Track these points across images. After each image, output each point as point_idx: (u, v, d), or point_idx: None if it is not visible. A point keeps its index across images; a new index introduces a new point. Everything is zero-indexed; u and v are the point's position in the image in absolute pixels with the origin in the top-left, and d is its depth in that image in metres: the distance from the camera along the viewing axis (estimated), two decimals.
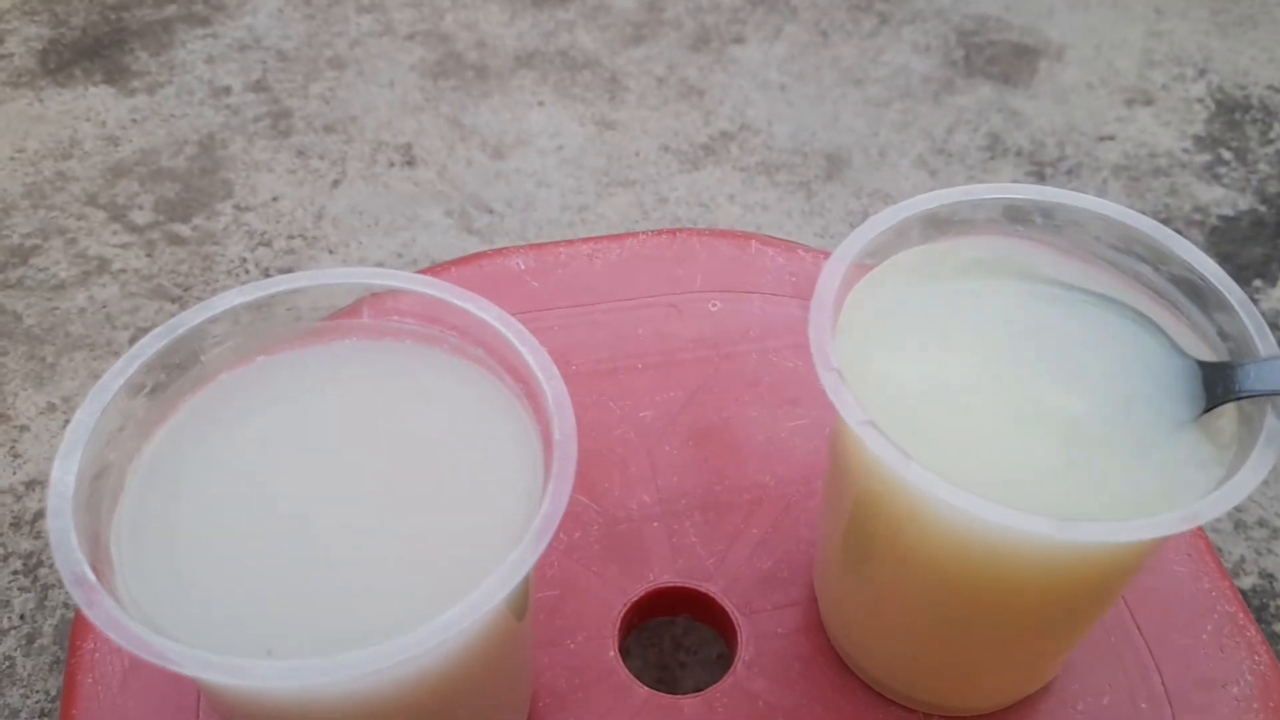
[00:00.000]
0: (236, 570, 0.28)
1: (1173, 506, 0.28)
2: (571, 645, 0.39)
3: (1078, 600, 0.33)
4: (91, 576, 0.25)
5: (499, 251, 0.50)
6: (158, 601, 0.27)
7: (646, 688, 0.38)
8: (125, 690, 0.36)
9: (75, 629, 0.38)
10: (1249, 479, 0.28)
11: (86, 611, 0.24)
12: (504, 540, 0.28)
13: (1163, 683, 0.38)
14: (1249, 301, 0.32)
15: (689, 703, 0.38)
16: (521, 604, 0.31)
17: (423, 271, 0.44)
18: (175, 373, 0.30)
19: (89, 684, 0.36)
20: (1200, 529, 0.42)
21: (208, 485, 0.29)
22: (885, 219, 0.34)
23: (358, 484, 0.30)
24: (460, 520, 0.29)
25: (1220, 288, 0.32)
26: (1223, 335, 0.33)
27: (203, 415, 0.30)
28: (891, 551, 0.34)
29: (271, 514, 0.29)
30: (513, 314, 0.31)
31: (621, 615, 0.39)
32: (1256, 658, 0.38)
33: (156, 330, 0.29)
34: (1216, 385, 0.31)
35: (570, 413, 0.29)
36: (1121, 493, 0.30)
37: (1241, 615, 0.39)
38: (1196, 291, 0.33)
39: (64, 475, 0.26)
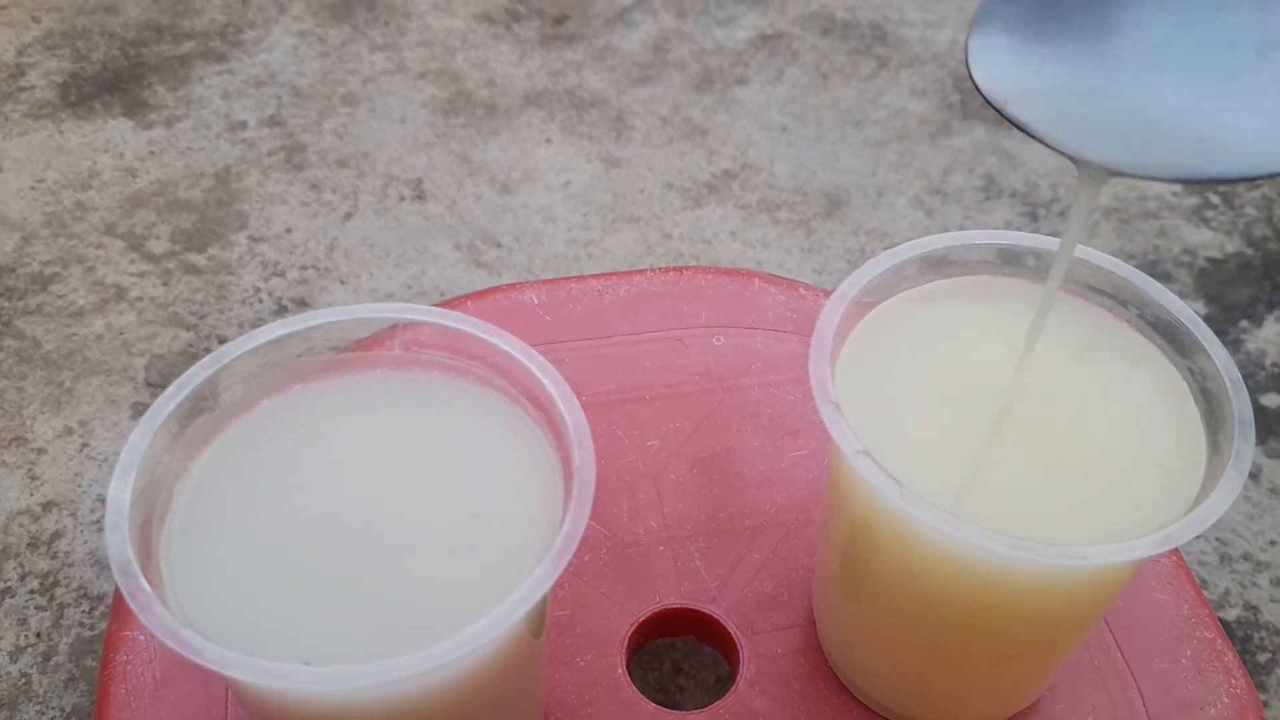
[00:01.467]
0: (276, 584, 0.30)
1: (1150, 531, 0.30)
2: (581, 663, 0.40)
3: (1062, 621, 0.35)
4: (146, 585, 0.27)
5: (513, 286, 0.52)
6: (202, 609, 0.29)
7: (653, 704, 0.40)
8: (157, 700, 0.38)
9: (108, 643, 0.40)
10: (1220, 502, 0.30)
11: (141, 616, 0.26)
12: (526, 559, 0.30)
13: (1144, 705, 0.40)
14: (1221, 345, 0.34)
15: (693, 719, 0.39)
16: (539, 621, 0.33)
17: (440, 305, 0.46)
18: (218, 400, 0.32)
19: (122, 695, 0.38)
20: (1183, 561, 0.44)
21: (249, 504, 0.31)
22: (885, 259, 0.36)
23: (390, 504, 0.32)
24: (485, 539, 0.31)
25: (1195, 332, 0.34)
26: (1201, 376, 0.35)
27: (245, 439, 0.32)
28: (885, 576, 0.36)
29: (309, 531, 0.31)
30: (529, 346, 0.33)
31: (629, 635, 0.41)
32: (1233, 681, 0.40)
33: (203, 360, 0.31)
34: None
35: (589, 439, 0.31)
36: (1104, 519, 0.32)
37: (1219, 641, 0.41)
38: (1175, 334, 0.35)
39: (120, 493, 0.28)
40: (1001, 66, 0.29)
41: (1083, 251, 0.37)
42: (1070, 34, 0.29)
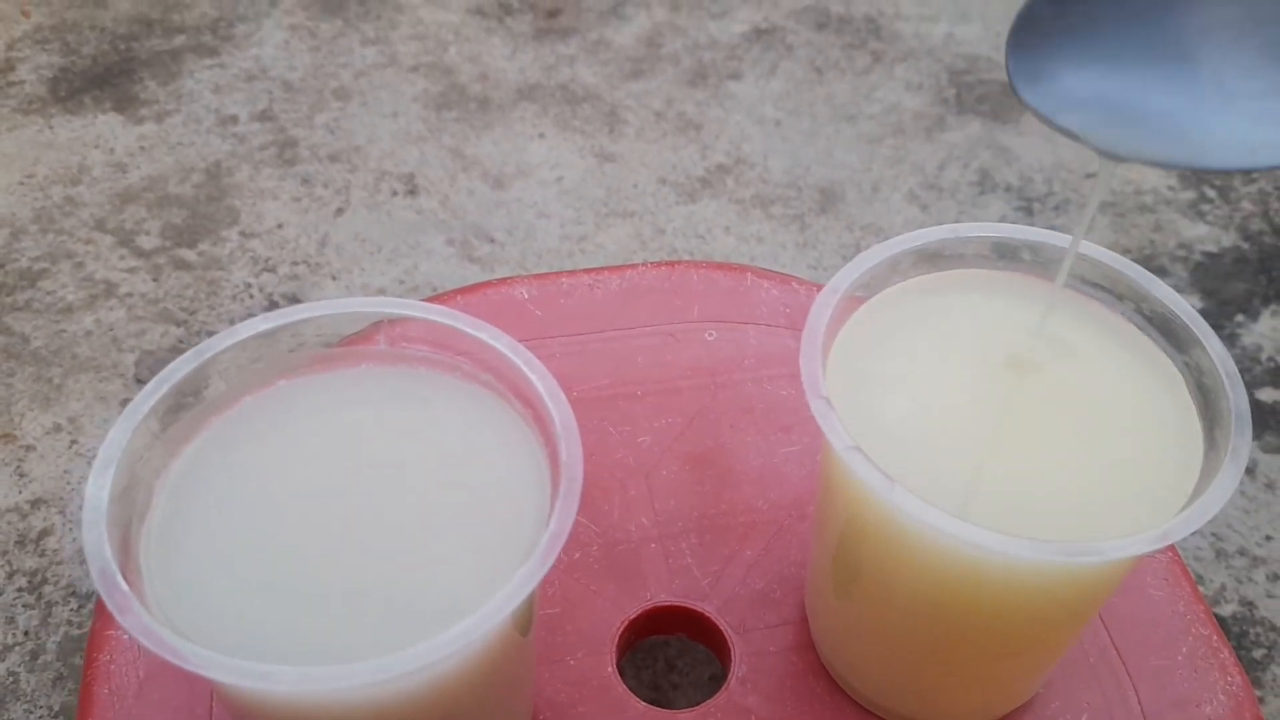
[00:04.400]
0: (258, 583, 0.29)
1: (1146, 526, 0.30)
2: (571, 661, 0.40)
3: (1056, 618, 0.35)
4: (124, 584, 0.26)
5: (503, 281, 0.52)
6: (182, 609, 0.28)
7: (644, 703, 0.39)
8: (140, 699, 0.37)
9: (92, 641, 0.39)
10: (1216, 497, 0.30)
11: (119, 617, 0.25)
12: (512, 557, 0.29)
13: (1139, 703, 0.39)
14: (1218, 339, 0.34)
15: (684, 718, 0.39)
16: (526, 619, 0.33)
17: (429, 300, 0.45)
18: (200, 395, 0.32)
19: (105, 694, 0.38)
20: (1179, 557, 0.43)
21: (231, 502, 0.31)
22: (878, 253, 0.36)
23: (373, 501, 0.31)
24: (471, 537, 0.31)
25: (1192, 326, 0.34)
26: (1197, 370, 0.34)
27: (226, 436, 0.32)
28: (877, 573, 0.35)
29: (292, 530, 0.30)
30: (518, 342, 0.33)
31: (620, 633, 0.41)
32: (1229, 678, 0.40)
33: (184, 355, 0.31)
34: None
35: (576, 436, 0.30)
36: (1099, 515, 0.32)
37: (1215, 638, 0.41)
38: (1172, 329, 0.35)
39: (98, 491, 0.28)
40: (1043, 77, 0.30)
41: (1088, 249, 0.36)
42: (1109, 33, 0.29)
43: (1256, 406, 0.67)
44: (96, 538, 0.27)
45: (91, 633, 0.40)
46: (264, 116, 0.86)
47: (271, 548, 0.30)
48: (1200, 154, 0.28)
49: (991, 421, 0.34)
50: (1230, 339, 0.73)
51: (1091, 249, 0.36)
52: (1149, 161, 0.28)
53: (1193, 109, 0.28)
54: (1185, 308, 0.35)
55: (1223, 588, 0.61)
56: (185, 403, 0.31)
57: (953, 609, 0.34)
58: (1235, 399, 0.32)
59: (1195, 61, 0.29)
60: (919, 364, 0.36)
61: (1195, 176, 0.85)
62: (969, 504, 0.32)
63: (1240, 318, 0.75)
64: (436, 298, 0.52)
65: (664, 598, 0.42)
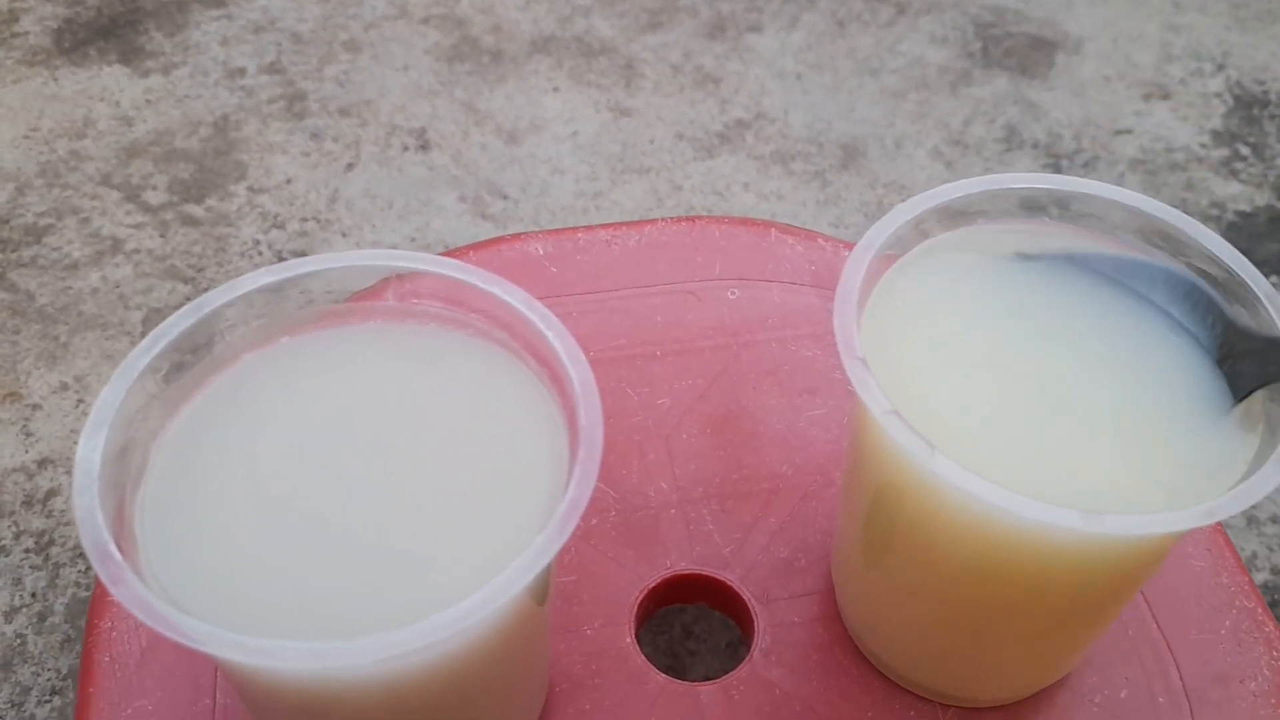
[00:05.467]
0: (260, 550, 0.28)
1: (1194, 501, 0.28)
2: (588, 631, 0.39)
3: (1099, 594, 0.33)
4: (117, 554, 0.25)
5: (517, 236, 0.50)
6: (181, 579, 0.27)
7: (663, 674, 0.38)
8: (142, 668, 0.36)
9: (93, 608, 0.38)
10: (1270, 477, 0.28)
11: (111, 589, 0.24)
12: (529, 525, 0.28)
13: (1180, 678, 0.38)
14: (1275, 292, 0.32)
15: (705, 690, 0.38)
16: (543, 589, 0.31)
17: (442, 255, 0.44)
18: (199, 353, 0.30)
19: (106, 662, 0.36)
20: (1221, 527, 0.42)
21: (231, 465, 0.29)
22: (907, 210, 0.34)
23: (382, 466, 0.30)
24: (485, 504, 0.29)
25: (1245, 277, 0.32)
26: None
27: (226, 396, 0.30)
28: (912, 543, 0.34)
29: (295, 496, 0.29)
30: (532, 298, 0.31)
31: (638, 602, 0.39)
32: (1275, 653, 0.38)
33: (181, 310, 0.29)
34: (1244, 376, 0.31)
35: (596, 398, 0.28)
36: (1144, 486, 0.30)
37: (1260, 611, 0.39)
38: (1218, 283, 0.33)
39: (89, 453, 0.26)
40: None
41: (1118, 194, 0.34)
42: None
43: None
44: (88, 503, 0.25)
45: (93, 598, 0.38)
46: (272, 69, 0.84)
47: (273, 516, 0.28)
48: None
49: (1033, 388, 0.32)
50: None
51: (1148, 203, 0.34)
52: None
53: None
54: (1245, 264, 0.33)
55: (1255, 555, 0.60)
56: (185, 360, 0.30)
57: (991, 582, 0.32)
58: None
59: None
60: (953, 326, 0.34)
61: (1228, 133, 0.82)
62: (1010, 472, 0.30)
63: (1274, 279, 0.73)
64: (449, 254, 0.50)
65: (684, 566, 0.40)
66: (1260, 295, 0.32)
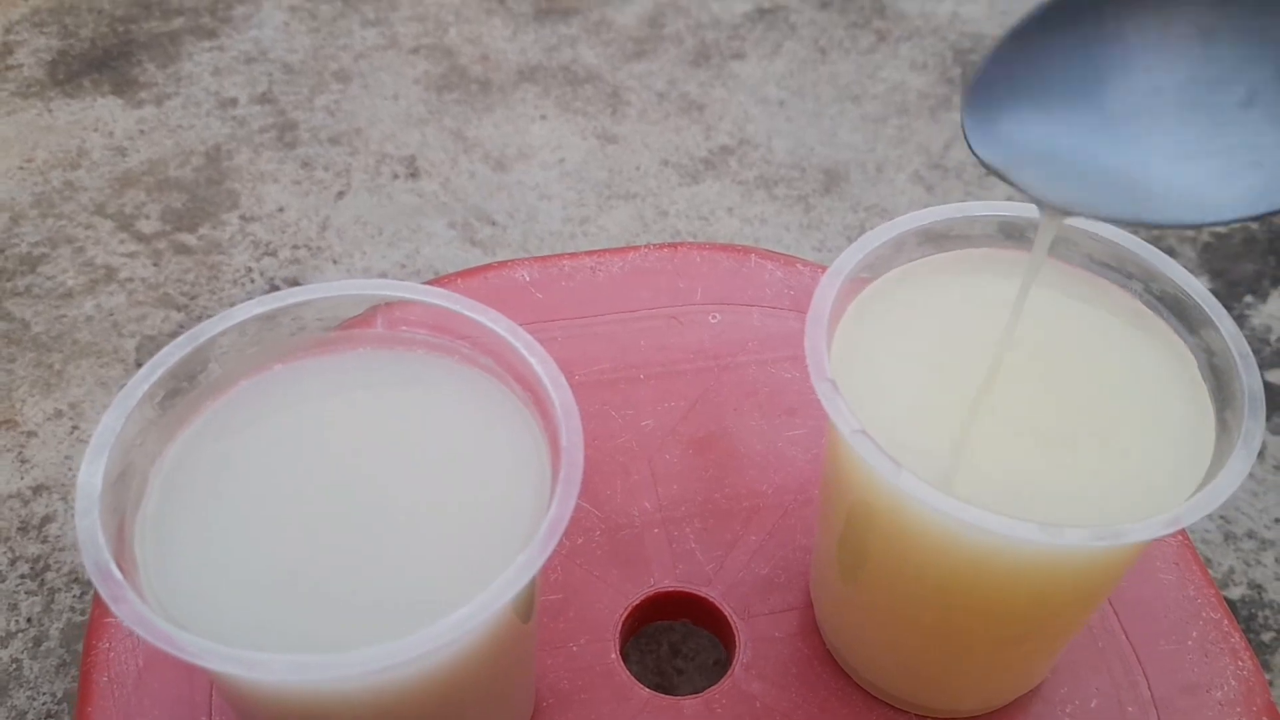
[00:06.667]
0: (254, 570, 0.29)
1: (1157, 511, 0.29)
2: (574, 648, 0.40)
3: (1065, 603, 0.34)
4: (118, 573, 0.26)
5: (504, 264, 0.51)
6: (178, 598, 0.28)
7: (647, 689, 0.39)
8: (140, 688, 0.37)
9: (91, 629, 0.39)
10: (1228, 482, 0.29)
11: (113, 606, 0.25)
12: (513, 543, 0.29)
13: (1149, 687, 0.39)
14: (1231, 319, 0.33)
15: (689, 704, 0.39)
16: (528, 606, 0.32)
17: (430, 283, 0.45)
18: (195, 380, 0.31)
19: (104, 682, 0.37)
20: (1189, 539, 0.43)
21: (227, 488, 0.30)
22: (882, 234, 0.35)
23: (372, 487, 0.31)
24: (471, 523, 0.30)
25: (1204, 305, 0.33)
26: (1208, 351, 0.34)
27: (223, 421, 0.31)
28: (884, 558, 0.35)
29: (289, 517, 0.30)
30: (518, 325, 0.32)
31: (623, 619, 0.40)
32: (1240, 663, 0.39)
33: (178, 339, 0.30)
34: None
35: (577, 420, 0.30)
36: (1107, 498, 0.31)
37: (1226, 622, 0.40)
38: (1183, 309, 0.34)
39: (90, 478, 0.27)
40: (998, 136, 0.30)
41: (1089, 224, 0.36)
42: (1061, 96, 0.30)
43: (1266, 388, 0.66)
44: (89, 526, 0.26)
45: (91, 620, 0.39)
46: (264, 99, 0.86)
47: (267, 535, 0.29)
48: (1148, 210, 0.28)
49: (999, 404, 0.34)
50: (1239, 320, 0.72)
51: (1100, 227, 0.36)
52: (1099, 217, 0.29)
53: (1142, 167, 0.29)
54: (1197, 287, 0.34)
55: (1231, 570, 0.60)
56: (181, 387, 0.31)
57: (959, 594, 0.33)
58: (1248, 380, 0.31)
59: (1144, 121, 0.29)
60: (925, 347, 0.35)
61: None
62: (976, 488, 0.31)
63: (1249, 299, 0.74)
64: (437, 281, 0.52)
65: (667, 583, 0.42)
66: (1213, 318, 0.33)
